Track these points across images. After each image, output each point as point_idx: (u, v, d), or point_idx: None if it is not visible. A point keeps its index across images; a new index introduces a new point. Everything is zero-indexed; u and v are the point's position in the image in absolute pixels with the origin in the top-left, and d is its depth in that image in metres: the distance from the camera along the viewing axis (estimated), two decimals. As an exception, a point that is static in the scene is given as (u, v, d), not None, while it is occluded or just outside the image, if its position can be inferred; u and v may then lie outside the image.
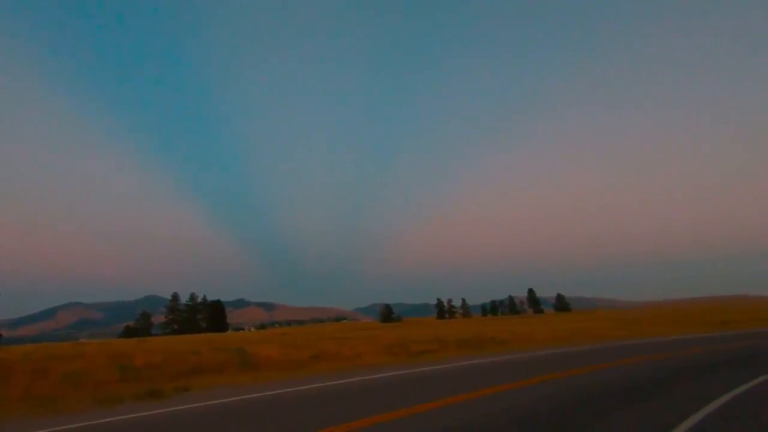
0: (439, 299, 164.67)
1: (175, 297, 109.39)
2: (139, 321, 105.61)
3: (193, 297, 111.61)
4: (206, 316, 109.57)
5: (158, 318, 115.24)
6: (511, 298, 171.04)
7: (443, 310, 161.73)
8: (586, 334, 25.60)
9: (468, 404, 7.26)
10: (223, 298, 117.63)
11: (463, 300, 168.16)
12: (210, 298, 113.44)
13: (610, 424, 5.89)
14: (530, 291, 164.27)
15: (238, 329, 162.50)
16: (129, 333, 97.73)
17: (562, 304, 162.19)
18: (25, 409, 8.35)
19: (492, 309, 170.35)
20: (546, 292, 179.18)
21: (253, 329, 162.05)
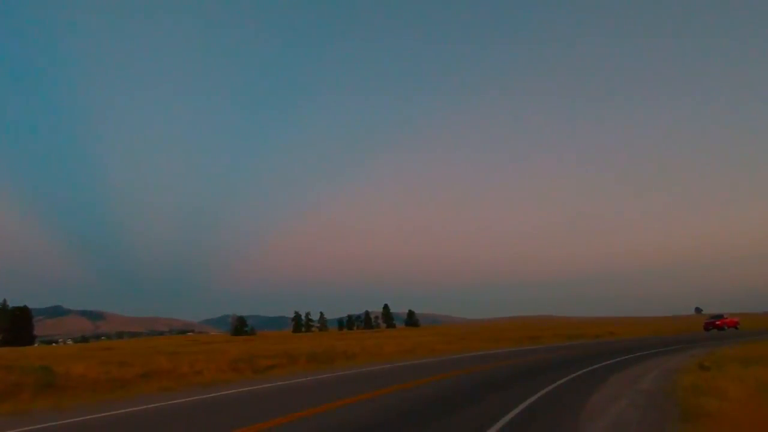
0: (296, 312, 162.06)
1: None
2: None
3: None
4: (5, 325, 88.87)
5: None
6: (367, 313, 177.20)
7: (300, 324, 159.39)
8: (424, 348, 27.94)
9: (299, 422, 7.23)
10: (32, 305, 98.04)
11: (321, 313, 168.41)
12: (13, 303, 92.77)
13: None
14: (385, 306, 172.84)
15: (50, 342, 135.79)
16: None
17: (412, 320, 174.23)
18: None
19: (348, 323, 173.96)
20: (400, 308, 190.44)
21: (70, 342, 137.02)
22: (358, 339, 50.45)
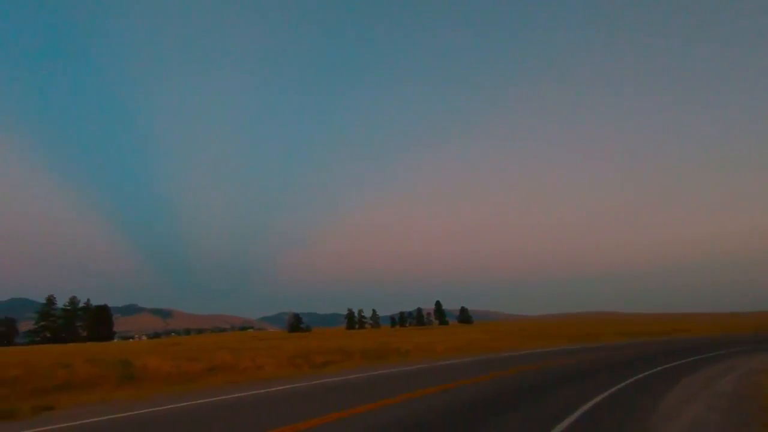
0: (349, 309, 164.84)
1: (51, 300, 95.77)
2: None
3: (73, 301, 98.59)
4: (88, 323, 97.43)
5: (27, 324, 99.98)
6: (419, 309, 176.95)
7: (353, 321, 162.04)
8: (477, 345, 27.47)
9: (356, 418, 7.35)
10: (111, 303, 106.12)
11: (374, 311, 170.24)
12: (95, 302, 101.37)
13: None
14: (437, 303, 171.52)
15: (126, 338, 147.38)
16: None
17: (465, 317, 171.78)
18: None
19: (401, 320, 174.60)
20: (452, 304, 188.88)
21: (144, 338, 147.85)
22: (410, 336, 50.49)
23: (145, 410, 8.46)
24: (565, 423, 6.67)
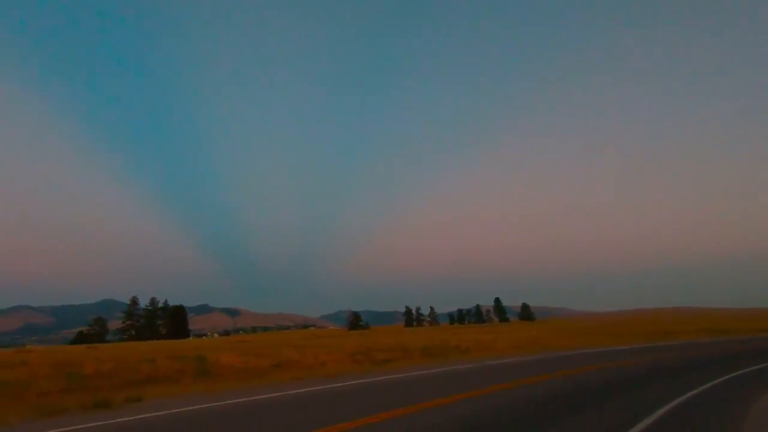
0: (407, 307, 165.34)
1: (134, 301, 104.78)
2: (93, 326, 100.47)
3: (153, 301, 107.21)
4: (167, 321, 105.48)
5: (115, 323, 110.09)
6: (478, 306, 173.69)
7: (411, 318, 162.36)
8: (540, 343, 26.38)
9: (422, 413, 7.35)
10: (185, 303, 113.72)
11: (432, 308, 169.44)
12: (172, 302, 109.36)
13: (557, 432, 6.10)
14: (497, 300, 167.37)
15: (200, 336, 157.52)
16: (81, 339, 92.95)
17: (526, 314, 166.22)
18: (-43, 421, 7.82)
19: (459, 317, 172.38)
20: (512, 301, 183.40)
21: (216, 336, 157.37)
22: (470, 333, 49.73)
23: (222, 402, 9.01)
24: (643, 425, 6.24)
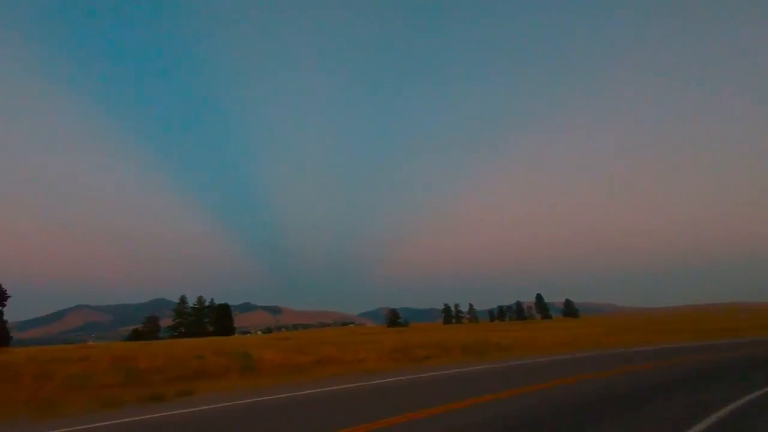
0: (446, 304, 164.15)
1: (183, 300, 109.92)
2: (146, 324, 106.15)
3: (200, 300, 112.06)
4: (213, 319, 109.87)
5: (166, 321, 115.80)
6: (518, 303, 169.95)
7: (450, 315, 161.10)
8: (586, 340, 25.37)
9: (463, 411, 7.27)
10: (229, 302, 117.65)
11: (471, 305, 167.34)
12: (217, 301, 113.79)
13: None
14: (538, 296, 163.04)
15: (244, 333, 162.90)
16: (136, 336, 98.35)
17: (570, 310, 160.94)
18: (29, 411, 8.48)
19: (499, 314, 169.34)
20: (555, 297, 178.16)
21: (259, 333, 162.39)
22: (511, 330, 48.75)
23: (267, 397, 9.30)
24: (701, 426, 5.89)
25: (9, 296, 71.87)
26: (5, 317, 71.38)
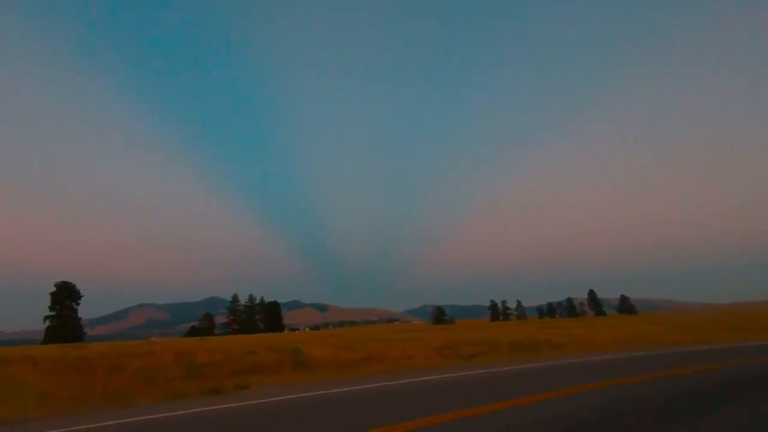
0: (492, 301, 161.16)
1: (235, 298, 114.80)
2: (202, 321, 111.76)
3: (251, 298, 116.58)
4: (264, 316, 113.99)
5: (220, 318, 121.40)
6: (569, 299, 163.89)
7: (497, 312, 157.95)
8: (645, 338, 23.96)
9: (519, 409, 7.13)
10: (279, 300, 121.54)
11: (518, 302, 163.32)
12: (267, 299, 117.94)
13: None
14: (591, 292, 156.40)
15: (293, 330, 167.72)
16: (193, 332, 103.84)
17: (626, 306, 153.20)
18: (106, 401, 9.22)
19: (549, 311, 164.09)
20: (609, 293, 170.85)
21: (307, 330, 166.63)
22: (562, 328, 47.04)
23: (320, 392, 9.56)
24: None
25: (82, 296, 78.45)
26: (78, 315, 77.92)
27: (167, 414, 7.68)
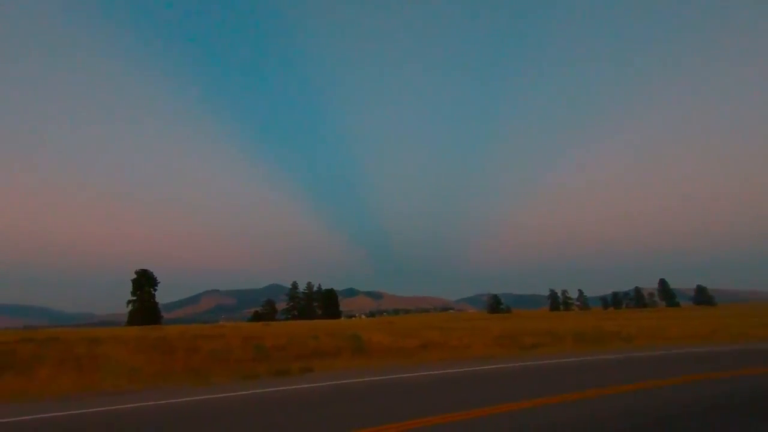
0: (552, 290, 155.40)
1: (295, 286, 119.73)
2: (264, 307, 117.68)
3: (309, 286, 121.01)
4: (321, 303, 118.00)
5: (281, 305, 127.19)
6: (637, 289, 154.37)
7: (557, 302, 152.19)
8: (728, 331, 21.98)
9: (585, 402, 6.86)
10: (335, 287, 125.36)
11: (580, 291, 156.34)
12: (324, 287, 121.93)
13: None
14: (662, 282, 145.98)
15: (349, 317, 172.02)
16: (257, 317, 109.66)
17: (703, 297, 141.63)
18: (186, 379, 10.01)
19: (614, 301, 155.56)
20: (683, 283, 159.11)
21: (363, 317, 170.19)
22: (631, 319, 44.47)
23: (383, 377, 9.76)
24: None
25: (158, 282, 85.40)
26: (156, 300, 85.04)
27: (243, 392, 8.20)
